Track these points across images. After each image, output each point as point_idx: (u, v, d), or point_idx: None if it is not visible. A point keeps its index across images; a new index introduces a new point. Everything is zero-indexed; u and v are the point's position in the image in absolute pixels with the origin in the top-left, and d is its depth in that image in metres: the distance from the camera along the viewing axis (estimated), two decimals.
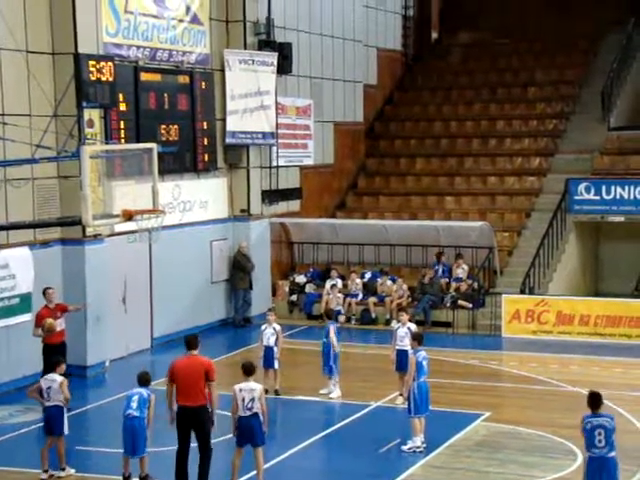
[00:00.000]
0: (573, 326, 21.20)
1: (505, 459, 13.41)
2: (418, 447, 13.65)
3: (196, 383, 11.73)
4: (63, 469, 12.86)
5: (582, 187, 24.25)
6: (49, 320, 15.79)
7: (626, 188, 23.84)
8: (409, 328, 15.79)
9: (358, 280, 23.71)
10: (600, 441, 10.68)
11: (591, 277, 26.07)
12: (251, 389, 11.98)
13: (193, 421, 11.82)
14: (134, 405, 12.40)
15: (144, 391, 12.50)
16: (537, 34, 31.27)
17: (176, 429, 11.93)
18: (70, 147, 14.77)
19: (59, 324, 16.02)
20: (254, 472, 12.19)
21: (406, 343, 15.36)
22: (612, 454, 10.75)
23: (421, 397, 13.70)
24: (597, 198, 24.09)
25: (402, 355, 15.48)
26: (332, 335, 16.45)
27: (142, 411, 12.39)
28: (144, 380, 12.66)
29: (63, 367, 13.19)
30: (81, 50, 17.92)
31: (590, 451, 10.72)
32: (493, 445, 14.05)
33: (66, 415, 12.96)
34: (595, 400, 10.86)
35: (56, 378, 12.95)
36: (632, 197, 23.80)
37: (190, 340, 12.08)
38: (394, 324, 17.23)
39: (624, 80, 28.50)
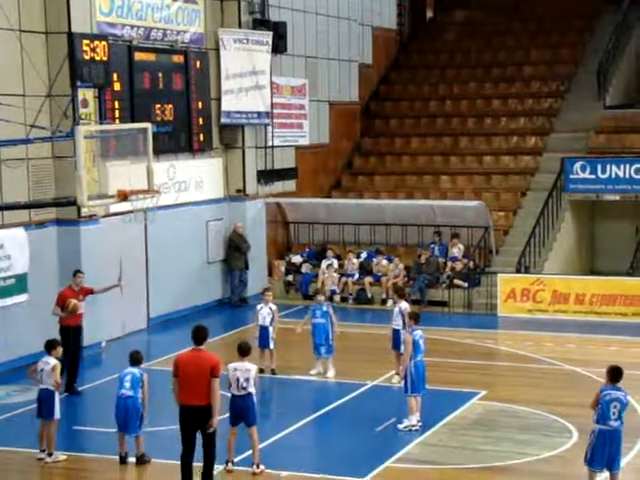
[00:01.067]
0: (569, 305, 21.26)
1: (501, 437, 13.47)
2: (414, 426, 13.70)
3: (201, 381, 10.89)
4: (50, 454, 12.73)
5: (577, 166, 24.23)
6: (74, 301, 15.64)
7: (621, 167, 23.82)
8: (400, 307, 15.81)
9: (355, 260, 23.72)
10: (614, 414, 10.84)
11: (587, 256, 26.11)
12: (246, 369, 12.00)
13: (198, 421, 11.01)
14: (127, 385, 12.44)
15: (137, 371, 12.52)
16: (532, 13, 31.18)
17: (179, 430, 11.22)
18: (64, 127, 14.71)
19: (81, 307, 15.92)
20: (250, 452, 12.22)
21: (399, 322, 15.48)
22: (621, 428, 10.93)
23: (418, 376, 13.73)
24: (592, 177, 24.07)
25: (397, 334, 15.55)
26: (333, 314, 16.58)
27: (135, 390, 12.42)
28: (136, 359, 12.66)
29: (59, 350, 13.11)
30: (75, 29, 17.82)
31: (603, 424, 10.82)
32: (489, 423, 14.11)
33: (57, 399, 12.80)
34: (617, 373, 11.01)
35: (50, 361, 12.82)
36: (627, 176, 23.79)
37: (197, 333, 11.19)
38: (390, 303, 17.31)
39: (619, 59, 28.44)
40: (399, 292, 16.44)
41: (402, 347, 14.83)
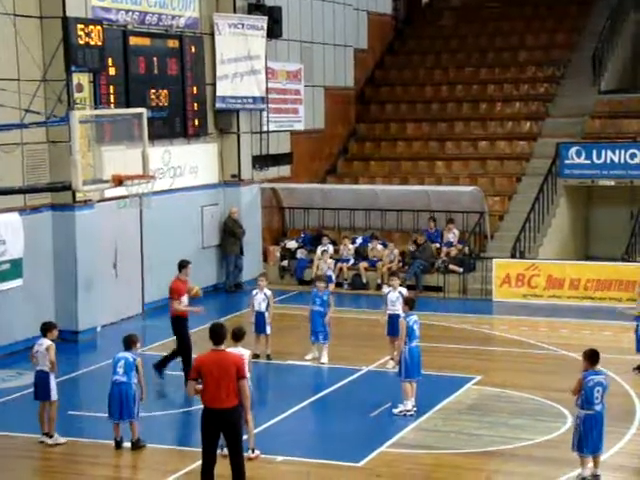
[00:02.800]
0: (563, 290, 21.30)
1: (495, 422, 13.51)
2: (409, 410, 13.74)
3: (227, 383, 10.27)
4: (51, 436, 12.77)
5: (573, 151, 24.22)
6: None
7: (616, 152, 23.82)
8: (400, 292, 15.84)
9: (350, 245, 23.73)
10: (597, 398, 10.94)
11: (581, 241, 26.15)
12: (240, 354, 11.99)
13: (223, 424, 10.35)
14: (120, 371, 12.46)
15: (129, 355, 12.52)
16: None
17: (201, 436, 10.52)
18: (59, 112, 14.67)
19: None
20: (245, 436, 12.25)
21: (398, 307, 15.42)
22: (603, 411, 11.04)
23: (412, 361, 13.77)
24: (588, 162, 24.08)
25: (394, 319, 15.51)
26: (332, 301, 16.61)
27: (129, 376, 12.44)
28: (130, 342, 12.63)
29: (54, 332, 13.06)
30: (69, 14, 17.75)
31: (587, 408, 10.90)
32: (484, 408, 14.15)
33: (53, 380, 12.81)
34: (596, 356, 11.09)
35: (44, 342, 12.81)
36: (622, 161, 23.79)
37: (216, 333, 10.50)
38: (385, 289, 17.24)
39: (614, 44, 28.42)
40: (410, 303, 14.55)
41: None
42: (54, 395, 12.80)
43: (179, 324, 15.42)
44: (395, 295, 15.86)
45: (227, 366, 10.33)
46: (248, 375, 11.76)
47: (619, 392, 14.54)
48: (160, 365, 15.55)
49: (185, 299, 15.42)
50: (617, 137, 25.15)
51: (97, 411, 13.54)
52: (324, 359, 16.57)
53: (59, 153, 17.51)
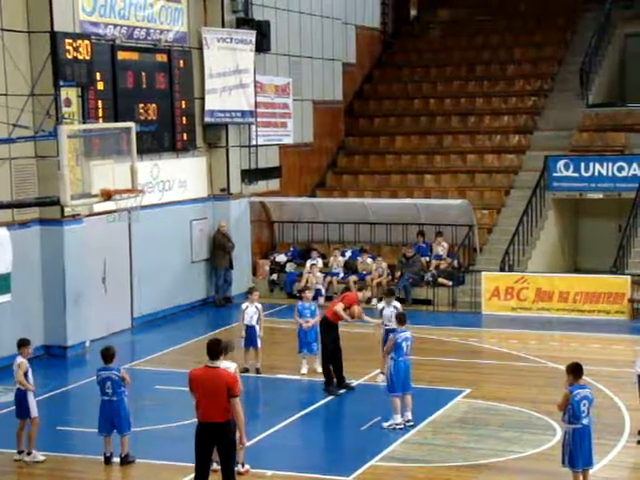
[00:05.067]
0: (552, 303, 21.32)
1: (485, 435, 13.50)
2: (398, 424, 13.71)
3: (219, 399, 10.22)
4: (29, 453, 12.65)
5: (561, 164, 24.32)
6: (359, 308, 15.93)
7: (604, 165, 23.93)
8: (395, 307, 15.85)
9: (340, 257, 23.75)
10: (584, 412, 10.90)
11: (570, 254, 26.21)
12: (226, 367, 11.97)
13: (214, 438, 10.32)
14: (109, 391, 12.44)
15: (113, 374, 12.46)
16: (516, 11, 31.26)
17: (195, 450, 10.45)
18: (47, 126, 14.66)
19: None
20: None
21: (394, 323, 15.41)
22: (590, 424, 11.01)
23: (398, 376, 13.74)
24: (576, 175, 24.17)
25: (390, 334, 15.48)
26: (318, 314, 16.65)
27: (118, 393, 12.40)
28: (109, 357, 12.53)
29: (26, 350, 12.74)
30: (57, 28, 17.75)
31: (575, 423, 10.86)
32: (473, 421, 14.15)
33: (31, 397, 12.70)
34: (580, 370, 11.06)
35: (16, 360, 12.73)
36: (610, 174, 23.89)
37: (212, 348, 10.46)
38: (379, 304, 17.14)
39: (602, 57, 28.58)
40: (401, 319, 14.61)
41: None
42: (33, 412, 12.70)
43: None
44: (390, 310, 15.86)
45: (218, 384, 10.27)
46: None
47: (609, 405, 14.56)
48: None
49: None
50: (605, 150, 25.25)
51: (86, 427, 13.48)
52: (320, 368, 16.54)
53: (47, 168, 17.47)
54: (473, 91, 29.16)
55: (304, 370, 16.70)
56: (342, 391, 15.60)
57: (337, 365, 15.71)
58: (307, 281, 22.39)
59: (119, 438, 12.49)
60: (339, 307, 15.67)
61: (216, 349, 10.48)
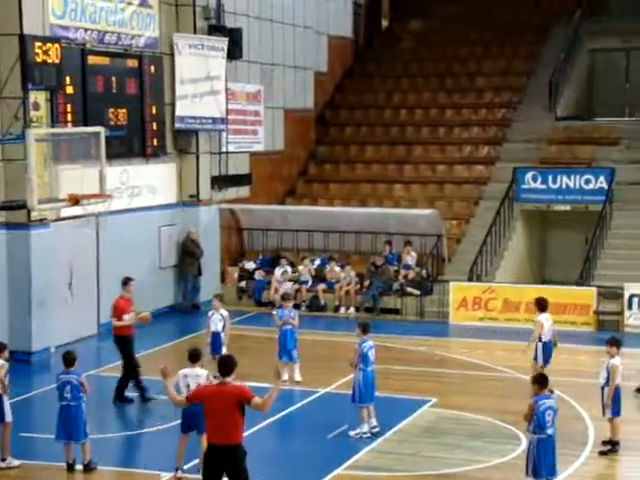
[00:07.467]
0: (519, 313, 21.42)
1: (452, 444, 13.52)
2: (365, 433, 13.71)
3: (229, 418, 9.50)
4: (4, 459, 12.53)
5: (529, 176, 24.50)
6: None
7: (572, 177, 24.15)
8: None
9: (311, 265, 23.73)
10: (549, 422, 10.93)
11: (537, 265, 26.36)
12: (197, 375, 11.93)
13: (225, 462, 9.58)
14: (68, 396, 12.32)
15: (73, 378, 12.34)
16: (487, 24, 31.45)
17: (203, 476, 9.87)
18: (15, 130, 14.55)
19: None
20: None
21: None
22: (554, 434, 11.04)
23: (366, 386, 13.73)
24: (544, 187, 24.36)
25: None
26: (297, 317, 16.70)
27: (77, 398, 12.28)
28: (70, 361, 12.42)
29: (4, 353, 12.73)
30: (27, 31, 17.60)
31: (540, 433, 10.89)
32: (440, 430, 14.17)
33: (7, 402, 12.59)
34: (545, 380, 11.11)
35: None
36: (577, 186, 24.12)
37: (224, 364, 9.75)
38: (343, 311, 17.14)
39: (570, 71, 28.85)
40: (365, 328, 14.07)
41: None
42: (8, 417, 12.57)
43: (124, 343, 15.24)
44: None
45: (228, 399, 9.51)
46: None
47: (574, 415, 14.64)
48: (120, 397, 15.36)
49: (128, 317, 15.18)
50: (572, 163, 25.48)
51: (50, 433, 13.32)
52: (299, 377, 16.49)
53: (14, 171, 17.27)
54: (443, 102, 29.30)
55: (285, 377, 16.62)
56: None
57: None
58: (276, 290, 22.32)
59: (80, 445, 12.35)
60: (115, 321, 15.25)
61: (229, 365, 9.70)
